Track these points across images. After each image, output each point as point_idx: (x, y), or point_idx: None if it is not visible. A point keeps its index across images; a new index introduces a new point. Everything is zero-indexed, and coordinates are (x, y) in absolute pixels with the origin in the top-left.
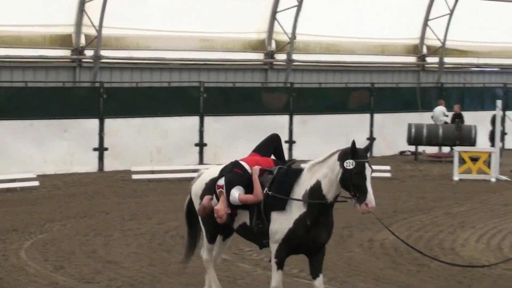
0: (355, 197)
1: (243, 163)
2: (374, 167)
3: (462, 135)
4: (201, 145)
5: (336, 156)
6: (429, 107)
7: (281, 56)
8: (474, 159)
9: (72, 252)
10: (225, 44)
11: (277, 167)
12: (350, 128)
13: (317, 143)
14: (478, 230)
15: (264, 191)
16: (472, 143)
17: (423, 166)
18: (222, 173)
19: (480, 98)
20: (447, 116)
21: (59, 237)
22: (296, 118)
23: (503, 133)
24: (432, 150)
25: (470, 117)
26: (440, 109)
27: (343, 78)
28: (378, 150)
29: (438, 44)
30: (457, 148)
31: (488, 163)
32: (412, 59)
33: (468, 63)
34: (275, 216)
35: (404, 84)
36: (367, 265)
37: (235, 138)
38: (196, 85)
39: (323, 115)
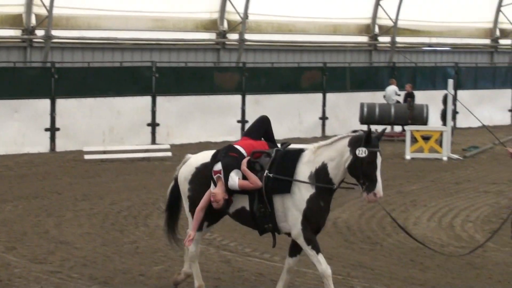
0: (363, 185)
1: (237, 146)
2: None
3: (414, 114)
4: (153, 125)
5: (346, 141)
6: (381, 87)
7: (233, 36)
8: (426, 138)
9: (24, 232)
10: (177, 24)
11: (274, 149)
12: (302, 107)
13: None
14: (430, 208)
15: (265, 174)
16: (424, 122)
17: None
18: (215, 158)
19: (431, 78)
20: (399, 95)
21: (11, 218)
22: (249, 98)
23: (455, 112)
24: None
25: (422, 96)
26: (392, 89)
27: (295, 58)
28: (331, 129)
29: (390, 23)
30: (409, 127)
31: (439, 142)
32: (364, 39)
33: (420, 43)
34: (278, 200)
35: (356, 64)
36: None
37: (188, 118)
38: (148, 65)
39: (276, 95)
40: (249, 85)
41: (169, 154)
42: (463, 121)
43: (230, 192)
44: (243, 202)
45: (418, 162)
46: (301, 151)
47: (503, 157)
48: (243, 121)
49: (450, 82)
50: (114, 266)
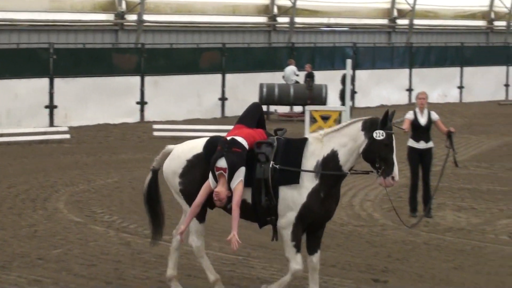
0: (379, 170)
1: (239, 139)
2: (226, 127)
3: (313, 95)
4: (51, 107)
5: (359, 126)
6: (280, 67)
7: (131, 17)
8: (325, 118)
9: None
10: (75, 5)
11: (275, 138)
12: (202, 88)
13: (169, 104)
14: None
15: (271, 165)
16: (323, 102)
17: (275, 125)
18: (214, 150)
19: (330, 58)
20: (297, 75)
21: None
22: (148, 79)
23: (353, 92)
24: (284, 109)
25: (320, 77)
26: (291, 69)
27: (194, 39)
28: (230, 110)
29: (289, 4)
30: (308, 107)
31: (338, 122)
32: (263, 19)
33: (319, 23)
34: (285, 192)
35: (256, 44)
36: (221, 224)
37: (86, 99)
38: (46, 46)
39: (175, 76)
40: (148, 66)
41: (67, 136)
42: (361, 101)
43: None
44: (244, 195)
45: None
46: (305, 139)
47: (400, 135)
48: (142, 103)
49: (349, 62)
50: (12, 250)
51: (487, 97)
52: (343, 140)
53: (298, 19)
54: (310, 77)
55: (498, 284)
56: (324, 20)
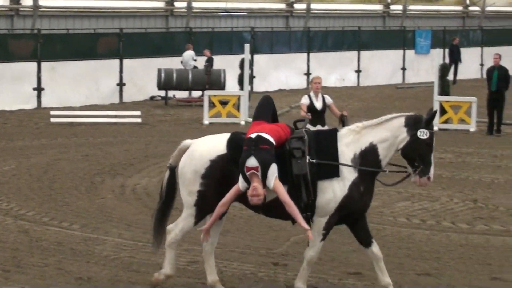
0: (417, 169)
1: (265, 135)
2: (124, 113)
3: (211, 79)
4: None
5: (401, 121)
6: (178, 52)
7: (27, 2)
8: (224, 103)
9: None
10: None
11: (303, 131)
12: (99, 74)
13: (67, 90)
14: None
15: (307, 160)
16: (222, 87)
17: (174, 110)
18: (233, 149)
19: (228, 43)
20: (196, 60)
21: None
22: (44, 65)
23: (252, 77)
24: (182, 94)
25: (219, 61)
26: (189, 54)
27: (91, 24)
28: (128, 95)
29: None
30: (207, 92)
31: (237, 106)
32: (160, 4)
33: (216, 8)
34: (325, 186)
35: (153, 29)
36: (119, 210)
37: None
38: None
39: (72, 62)
40: (45, 52)
41: None
42: (260, 85)
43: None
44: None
45: (216, 127)
46: (334, 130)
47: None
48: (38, 89)
49: (247, 47)
50: None
51: (384, 81)
52: (384, 135)
53: (195, 4)
54: (209, 62)
55: (397, 266)
56: (222, 5)
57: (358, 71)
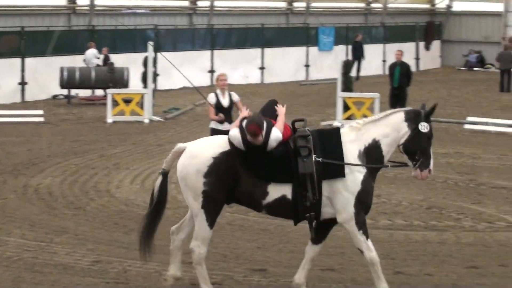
0: (417, 162)
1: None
2: (26, 112)
3: (114, 78)
4: None
5: (401, 116)
6: (81, 50)
7: None
8: (127, 101)
9: None
10: None
11: (306, 129)
12: (0, 73)
13: None
14: (133, 171)
15: (313, 159)
16: (125, 85)
17: (77, 109)
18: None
19: (132, 40)
20: (98, 58)
21: None
22: None
23: (155, 74)
24: (85, 93)
25: (122, 60)
26: (91, 52)
27: None
28: (30, 95)
29: None
30: (110, 91)
31: (141, 105)
32: (62, 2)
33: (119, 5)
34: (336, 186)
35: (55, 28)
36: (22, 211)
37: None
38: None
39: None
40: None
41: None
42: (164, 83)
43: (267, 180)
44: (283, 190)
45: (120, 125)
46: (337, 129)
47: (203, 117)
48: None
49: (150, 44)
50: None
51: (288, 78)
52: (386, 130)
53: (98, 2)
54: (107, 60)
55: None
56: (125, 3)
57: (262, 68)
